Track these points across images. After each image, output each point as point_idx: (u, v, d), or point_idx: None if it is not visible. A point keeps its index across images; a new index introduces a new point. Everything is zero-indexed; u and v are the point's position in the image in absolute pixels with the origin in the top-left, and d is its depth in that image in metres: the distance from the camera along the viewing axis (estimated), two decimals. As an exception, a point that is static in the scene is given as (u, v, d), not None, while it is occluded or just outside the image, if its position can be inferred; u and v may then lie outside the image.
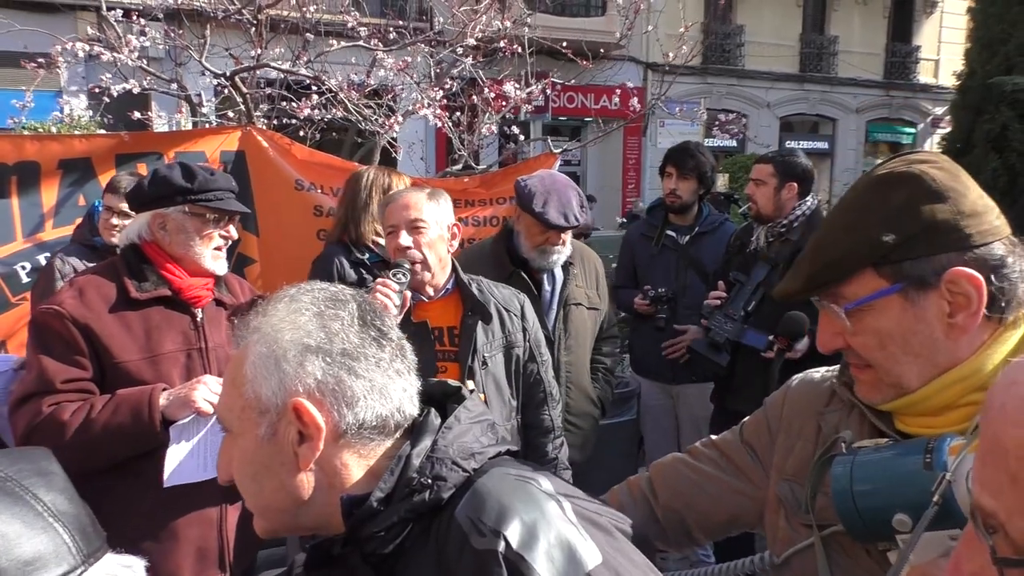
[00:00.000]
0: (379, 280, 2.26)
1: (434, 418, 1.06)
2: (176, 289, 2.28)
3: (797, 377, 1.38)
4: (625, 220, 12.73)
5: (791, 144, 24.92)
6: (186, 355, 2.27)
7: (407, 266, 2.31)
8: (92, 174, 3.99)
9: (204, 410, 2.13)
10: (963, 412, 1.07)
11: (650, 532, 1.43)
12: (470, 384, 1.96)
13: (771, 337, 3.19)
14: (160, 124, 7.11)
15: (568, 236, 3.08)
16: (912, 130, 26.27)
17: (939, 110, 23.60)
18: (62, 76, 10.06)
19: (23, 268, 3.79)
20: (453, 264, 2.50)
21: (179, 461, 2.16)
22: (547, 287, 3.17)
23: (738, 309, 3.38)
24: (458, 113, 5.43)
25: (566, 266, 3.21)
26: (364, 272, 3.05)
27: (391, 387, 1.01)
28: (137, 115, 5.45)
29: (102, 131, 6.17)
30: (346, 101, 4.53)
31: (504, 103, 5.14)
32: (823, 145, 25.34)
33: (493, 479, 0.98)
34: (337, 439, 0.99)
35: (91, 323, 2.14)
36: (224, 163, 4.29)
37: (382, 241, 2.84)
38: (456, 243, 2.53)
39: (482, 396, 1.92)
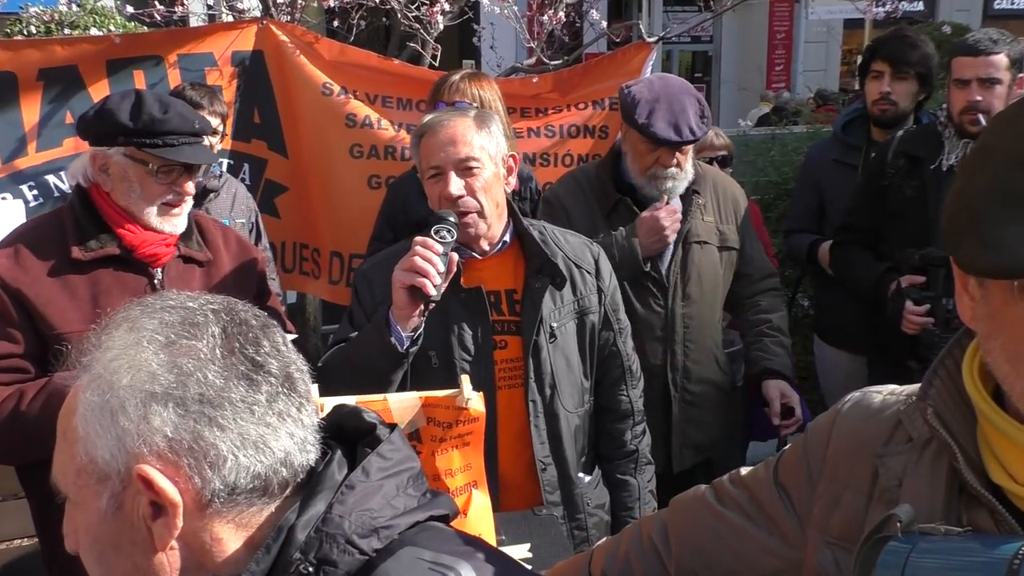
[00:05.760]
0: (418, 239, 1.88)
1: (336, 470, 0.86)
2: (128, 246, 2.01)
3: (850, 398, 1.09)
4: (747, 125, 9.70)
5: (1000, 5, 20.48)
6: None
7: (452, 219, 1.94)
8: (80, 85, 3.41)
9: None
10: None
11: None
12: (466, 386, 1.63)
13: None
14: (196, 20, 6.38)
15: (687, 158, 2.58)
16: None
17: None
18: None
19: (3, 199, 3.25)
20: (511, 208, 2.11)
21: None
22: None
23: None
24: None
25: (688, 195, 2.66)
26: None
27: (270, 437, 0.81)
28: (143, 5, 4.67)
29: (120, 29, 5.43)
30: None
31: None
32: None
33: (400, 567, 0.81)
34: (202, 509, 0.80)
35: (24, 288, 1.94)
36: (237, 66, 3.60)
37: None
38: (513, 179, 2.13)
39: (473, 398, 1.66)
